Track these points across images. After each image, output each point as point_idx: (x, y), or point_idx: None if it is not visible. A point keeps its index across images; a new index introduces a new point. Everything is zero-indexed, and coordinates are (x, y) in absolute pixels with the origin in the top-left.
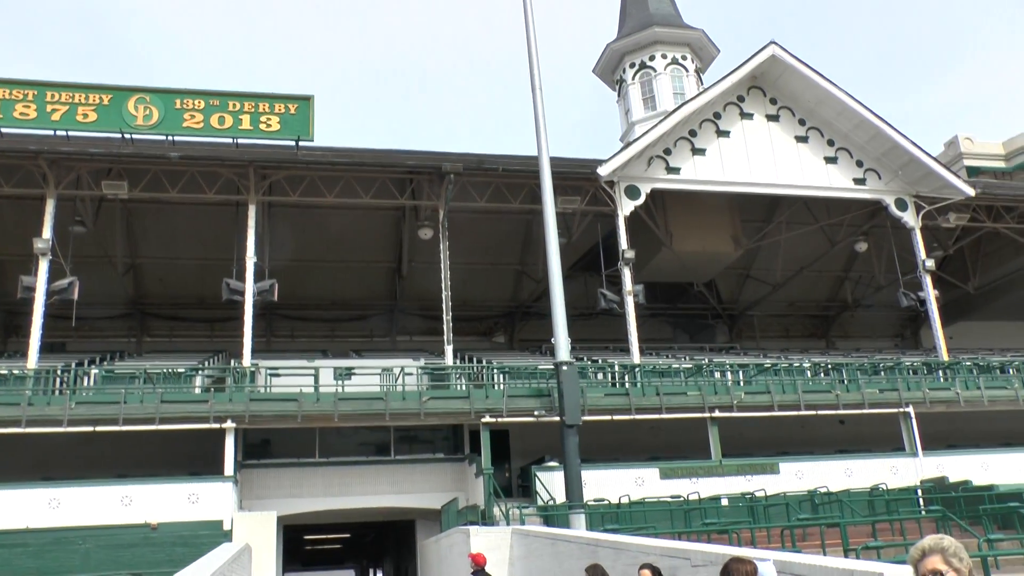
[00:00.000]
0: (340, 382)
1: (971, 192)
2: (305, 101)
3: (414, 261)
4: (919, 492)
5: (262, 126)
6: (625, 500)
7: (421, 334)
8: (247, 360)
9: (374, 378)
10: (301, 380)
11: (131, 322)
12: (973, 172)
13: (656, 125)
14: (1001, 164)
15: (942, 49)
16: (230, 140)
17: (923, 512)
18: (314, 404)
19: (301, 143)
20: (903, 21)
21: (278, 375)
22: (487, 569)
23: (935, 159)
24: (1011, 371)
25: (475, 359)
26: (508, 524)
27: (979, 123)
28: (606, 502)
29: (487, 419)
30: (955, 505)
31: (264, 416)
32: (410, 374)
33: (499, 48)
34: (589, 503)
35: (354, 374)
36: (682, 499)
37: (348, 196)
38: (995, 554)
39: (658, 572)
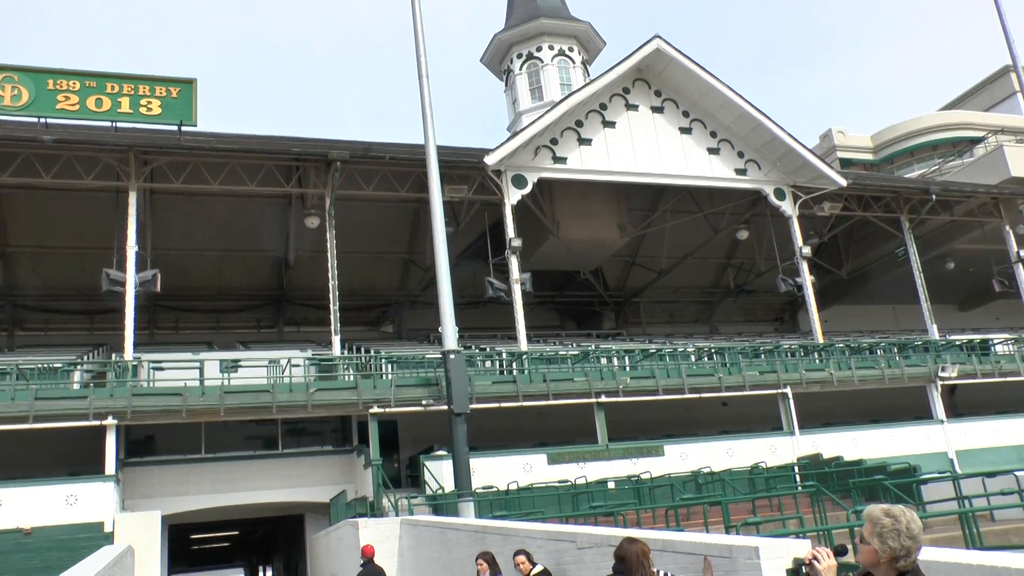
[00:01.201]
0: (226, 375)
1: (843, 183)
2: (187, 85)
3: (301, 250)
4: (796, 469)
5: (142, 110)
6: (514, 486)
7: (309, 325)
8: (129, 354)
9: (261, 370)
10: (186, 374)
11: (1, 315)
12: (845, 163)
13: (543, 115)
14: (870, 156)
15: (819, 46)
16: (108, 124)
17: (799, 488)
18: (199, 398)
19: (184, 128)
20: (784, 18)
21: (161, 369)
22: (376, 561)
23: (810, 151)
24: (879, 352)
25: (363, 349)
26: (397, 515)
27: (851, 117)
28: (495, 489)
29: (375, 410)
30: (828, 480)
31: (147, 412)
32: (297, 366)
33: (388, 34)
34: (478, 490)
35: (240, 367)
36: (570, 483)
37: (233, 183)
38: (863, 524)
39: (530, 557)
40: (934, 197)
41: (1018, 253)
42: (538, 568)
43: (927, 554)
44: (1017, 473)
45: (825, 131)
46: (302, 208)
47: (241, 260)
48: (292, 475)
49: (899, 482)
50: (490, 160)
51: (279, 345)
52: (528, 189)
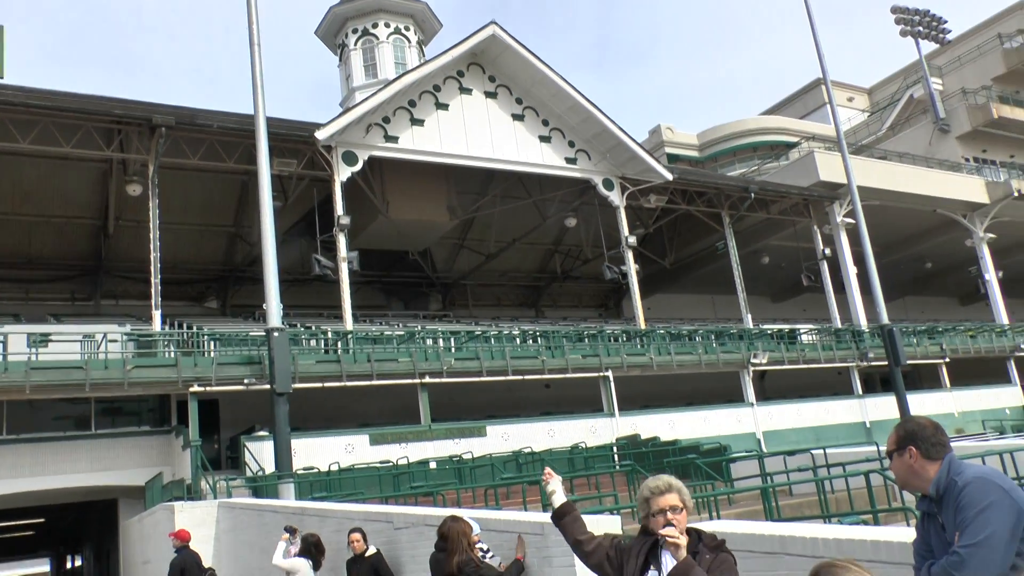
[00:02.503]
0: (34, 350)
1: (669, 177)
2: None
3: (122, 219)
4: (614, 449)
5: None
6: (335, 467)
7: (129, 298)
8: None
9: (74, 345)
10: None
11: None
12: (672, 159)
13: (376, 92)
14: (696, 154)
15: (654, 43)
16: None
17: (617, 467)
18: (1, 374)
19: None
20: (622, 12)
21: None
22: (191, 546)
23: (639, 145)
24: (697, 338)
25: (185, 325)
26: (215, 498)
27: (680, 115)
28: (316, 470)
29: (196, 388)
30: (645, 459)
31: None
32: (114, 341)
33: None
34: (299, 472)
35: (51, 341)
36: (391, 464)
37: (46, 144)
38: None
39: (365, 536)
40: (753, 195)
41: (823, 251)
42: (372, 550)
43: (728, 526)
44: (814, 451)
45: (655, 127)
46: (123, 175)
47: (54, 227)
48: (106, 457)
49: (710, 460)
50: (321, 135)
51: (96, 319)
52: (359, 167)
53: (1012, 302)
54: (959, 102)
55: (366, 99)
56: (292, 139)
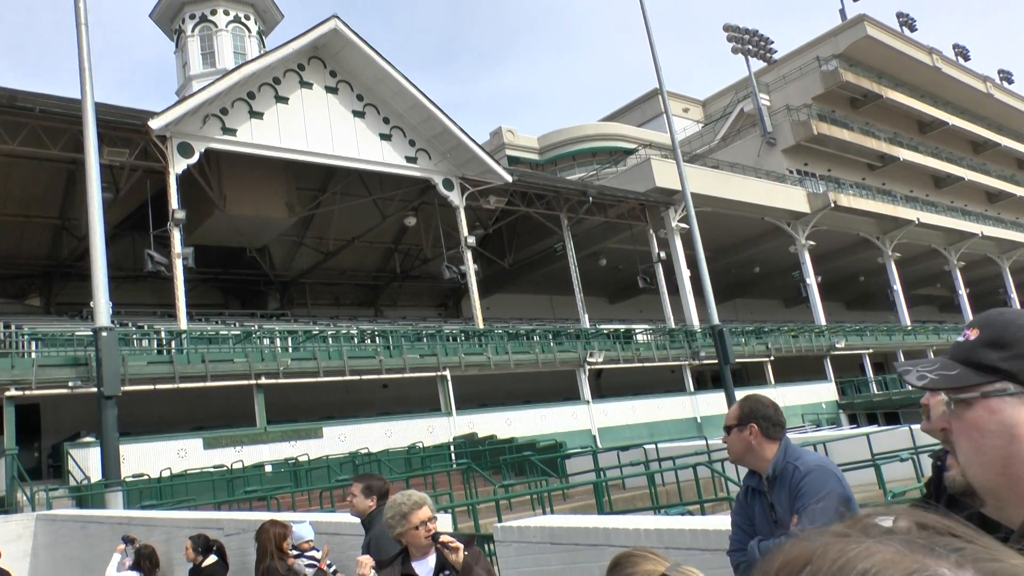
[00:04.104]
0: None
1: (509, 179)
2: None
3: None
4: (451, 448)
5: None
6: (167, 474)
7: None
8: None
9: None
10: None
11: None
12: (513, 161)
13: (214, 82)
14: (536, 157)
15: (501, 46)
16: None
17: (453, 466)
18: None
19: None
20: (471, 13)
21: None
22: (2, 565)
23: (480, 146)
24: (535, 338)
25: (3, 324)
26: (33, 510)
27: (522, 118)
28: (146, 477)
29: (12, 392)
30: (481, 458)
31: None
32: None
33: None
34: (128, 480)
35: None
36: (226, 468)
37: None
38: (509, 497)
39: (198, 544)
40: (591, 199)
41: (659, 254)
42: (211, 559)
43: (558, 521)
44: (646, 447)
45: (496, 129)
46: None
47: None
48: None
49: (546, 457)
50: (155, 124)
51: None
52: (195, 159)
53: (829, 305)
54: (784, 118)
55: (203, 88)
56: (124, 127)
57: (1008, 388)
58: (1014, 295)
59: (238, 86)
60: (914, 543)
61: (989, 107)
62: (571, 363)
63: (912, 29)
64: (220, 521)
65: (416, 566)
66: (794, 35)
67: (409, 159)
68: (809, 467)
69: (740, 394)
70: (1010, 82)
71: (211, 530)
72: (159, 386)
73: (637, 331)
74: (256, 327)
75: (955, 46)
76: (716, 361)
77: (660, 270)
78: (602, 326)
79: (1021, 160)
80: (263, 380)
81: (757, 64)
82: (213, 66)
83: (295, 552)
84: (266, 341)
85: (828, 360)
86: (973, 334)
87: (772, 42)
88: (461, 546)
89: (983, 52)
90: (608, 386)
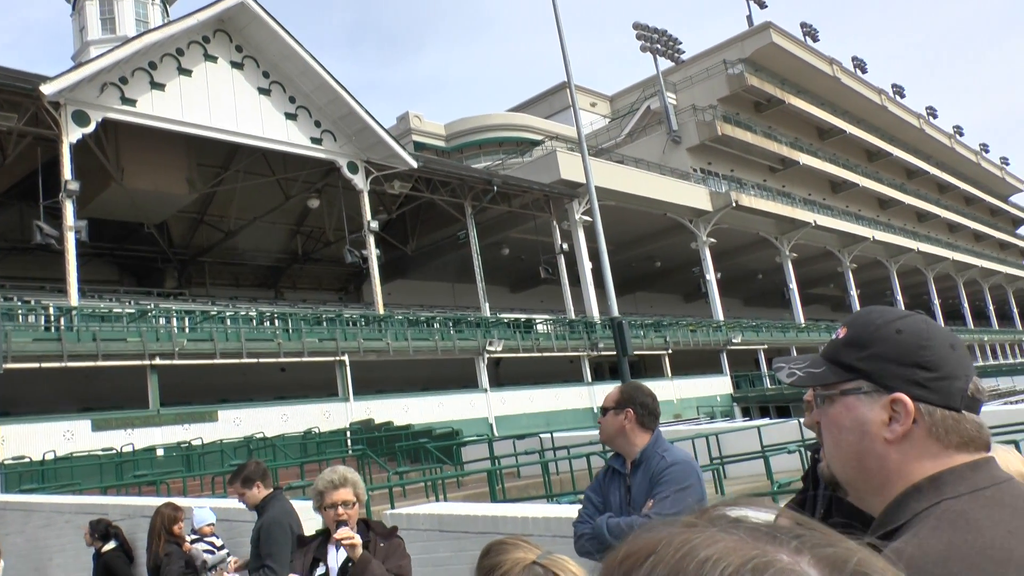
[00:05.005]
0: None
1: (414, 164)
2: None
3: None
4: (348, 434)
5: None
6: (51, 456)
7: None
8: None
9: None
10: None
11: None
12: (419, 147)
13: (114, 49)
14: (442, 144)
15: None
16: None
17: (349, 452)
18: None
19: None
20: None
21: None
22: None
23: (386, 130)
24: (435, 325)
25: None
26: None
27: (430, 104)
28: (28, 460)
29: None
30: (377, 444)
31: None
32: None
33: None
34: (6, 462)
35: None
36: (115, 452)
37: None
38: (403, 484)
39: (98, 528)
40: (496, 188)
41: (561, 246)
42: (110, 545)
43: (448, 508)
44: (542, 435)
45: (403, 114)
46: None
47: None
48: None
49: (441, 444)
50: (48, 89)
51: None
52: (91, 128)
53: (727, 301)
54: (690, 117)
55: (102, 55)
56: (12, 90)
57: (863, 387)
58: (900, 297)
59: (139, 55)
60: (757, 531)
61: (883, 118)
62: (471, 351)
63: (815, 39)
64: (105, 506)
65: (331, 550)
66: (702, 38)
67: (314, 140)
68: (676, 459)
69: None
70: (902, 96)
71: (96, 515)
72: (45, 364)
73: (538, 321)
74: (152, 306)
75: (854, 58)
76: (615, 353)
77: (562, 261)
78: (503, 315)
79: (910, 170)
80: (157, 361)
81: (665, 63)
82: (113, 32)
83: (194, 536)
84: (162, 321)
85: (724, 354)
86: (842, 333)
87: (681, 43)
88: (359, 542)
89: (879, 66)
90: (507, 375)
